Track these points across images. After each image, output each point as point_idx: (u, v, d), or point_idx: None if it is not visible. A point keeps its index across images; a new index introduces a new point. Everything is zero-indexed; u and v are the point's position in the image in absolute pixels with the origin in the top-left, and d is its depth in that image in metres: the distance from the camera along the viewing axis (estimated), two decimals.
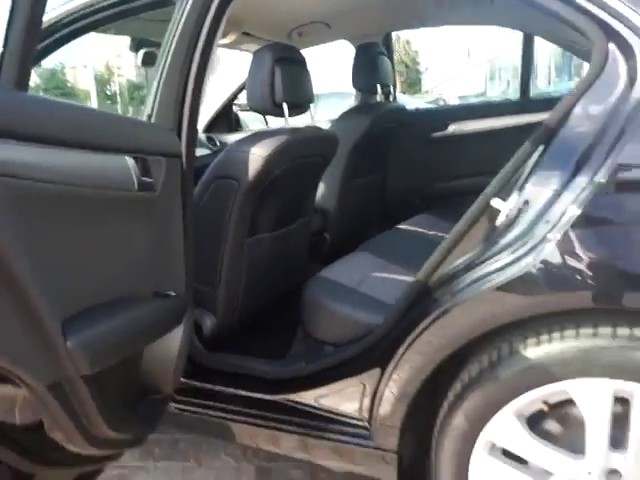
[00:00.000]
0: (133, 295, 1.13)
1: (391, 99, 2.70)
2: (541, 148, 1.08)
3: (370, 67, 2.30)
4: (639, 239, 0.97)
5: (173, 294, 1.27)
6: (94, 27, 1.75)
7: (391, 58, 2.66)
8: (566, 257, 1.00)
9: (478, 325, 1.09)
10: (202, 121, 3.09)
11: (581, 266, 0.98)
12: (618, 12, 1.03)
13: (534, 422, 1.13)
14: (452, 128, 2.68)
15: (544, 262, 1.01)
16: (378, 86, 2.33)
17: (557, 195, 1.01)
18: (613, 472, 1.06)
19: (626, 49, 1.03)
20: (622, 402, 1.03)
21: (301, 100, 1.69)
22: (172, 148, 1.30)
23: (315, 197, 2.03)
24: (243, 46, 2.56)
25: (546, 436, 1.13)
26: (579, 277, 0.99)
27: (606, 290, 0.98)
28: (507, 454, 1.15)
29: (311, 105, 1.76)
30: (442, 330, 1.13)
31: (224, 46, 2.44)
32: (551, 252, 1.00)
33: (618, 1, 1.03)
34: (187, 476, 1.78)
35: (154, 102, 1.34)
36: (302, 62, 1.71)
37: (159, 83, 1.34)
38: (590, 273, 0.98)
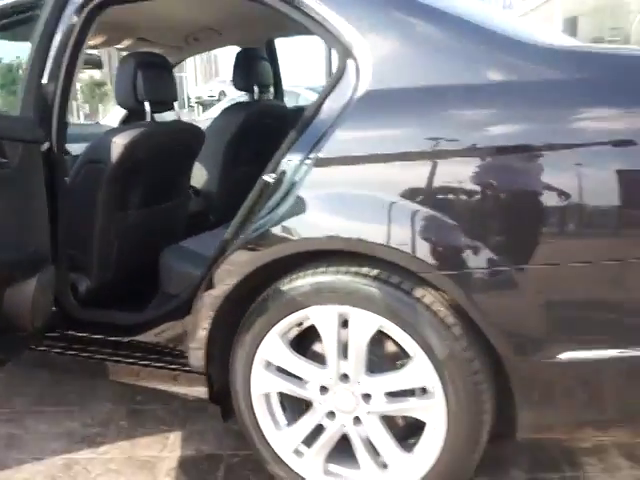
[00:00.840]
0: None
1: (271, 97, 3.04)
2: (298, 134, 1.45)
3: (248, 70, 2.65)
4: (349, 199, 1.34)
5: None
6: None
7: (275, 62, 3.02)
8: (295, 215, 1.37)
9: (241, 268, 1.45)
10: (119, 115, 3.43)
11: (302, 221, 1.36)
12: (351, 38, 1.39)
13: (299, 342, 1.50)
14: None
15: (282, 217, 1.38)
16: (256, 87, 2.68)
17: (296, 168, 1.38)
18: (344, 376, 1.43)
19: (357, 63, 1.38)
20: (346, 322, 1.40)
21: (163, 98, 2.03)
22: (29, 135, 1.63)
23: (187, 182, 2.37)
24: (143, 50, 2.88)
25: (305, 352, 1.50)
26: (302, 229, 1.37)
27: (317, 237, 1.36)
28: (280, 369, 1.51)
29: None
30: (224, 272, 1.49)
31: (121, 50, 2.77)
32: (287, 210, 1.38)
33: (354, 30, 1.39)
34: (69, 416, 2.10)
35: (21, 97, 1.67)
36: (164, 66, 2.05)
37: (24, 81, 1.67)
38: (310, 225, 1.36)
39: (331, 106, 1.40)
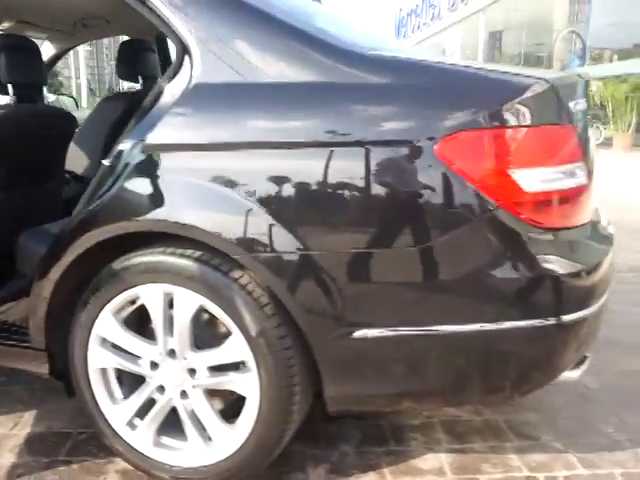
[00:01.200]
0: None
1: None
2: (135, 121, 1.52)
3: (131, 60, 2.69)
4: (172, 184, 1.43)
5: None
6: None
7: (166, 53, 3.07)
8: (122, 198, 1.45)
9: (74, 248, 1.51)
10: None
11: (128, 203, 1.44)
12: (187, 37, 1.47)
13: (132, 318, 1.57)
14: None
15: (112, 200, 1.46)
16: (140, 77, 2.73)
17: (128, 153, 1.46)
18: (172, 351, 1.51)
19: (191, 59, 1.47)
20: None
21: (28, 81, 2.05)
22: None
23: (60, 166, 2.39)
24: (30, 34, 2.87)
25: (138, 329, 1.57)
26: (128, 212, 1.45)
27: (139, 219, 1.44)
28: (114, 346, 1.58)
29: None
30: (60, 253, 1.54)
31: (3, 31, 2.75)
32: (116, 194, 1.46)
33: (189, 35, 1.47)
34: None
35: None
36: (30, 49, 2.07)
37: None
38: (134, 208, 1.44)
39: (165, 97, 1.49)
